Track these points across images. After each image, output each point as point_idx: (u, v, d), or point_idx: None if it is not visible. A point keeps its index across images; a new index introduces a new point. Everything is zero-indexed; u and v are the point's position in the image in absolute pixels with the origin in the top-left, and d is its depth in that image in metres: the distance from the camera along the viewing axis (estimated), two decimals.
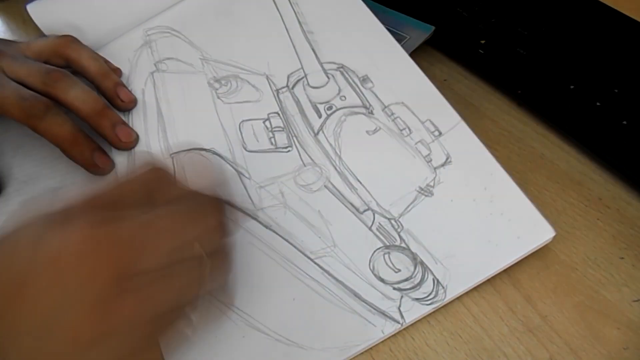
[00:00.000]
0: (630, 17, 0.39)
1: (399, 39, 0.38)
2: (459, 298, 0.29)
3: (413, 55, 0.37)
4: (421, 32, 0.40)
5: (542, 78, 0.37)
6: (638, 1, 0.39)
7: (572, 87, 0.36)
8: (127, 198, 0.24)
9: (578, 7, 0.40)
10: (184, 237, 0.23)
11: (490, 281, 0.29)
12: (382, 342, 0.28)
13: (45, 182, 0.35)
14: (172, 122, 0.36)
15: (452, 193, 0.31)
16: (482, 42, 0.40)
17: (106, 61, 0.39)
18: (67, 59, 0.36)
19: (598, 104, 0.35)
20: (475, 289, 0.29)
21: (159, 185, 0.25)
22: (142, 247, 0.21)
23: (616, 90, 0.35)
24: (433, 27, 0.40)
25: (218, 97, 0.37)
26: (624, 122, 0.33)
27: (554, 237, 0.29)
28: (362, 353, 0.28)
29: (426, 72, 0.36)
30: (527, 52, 0.38)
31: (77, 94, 0.34)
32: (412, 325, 0.28)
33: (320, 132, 0.35)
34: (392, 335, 0.28)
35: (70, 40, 0.37)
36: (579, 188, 0.33)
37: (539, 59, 0.38)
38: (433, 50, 0.41)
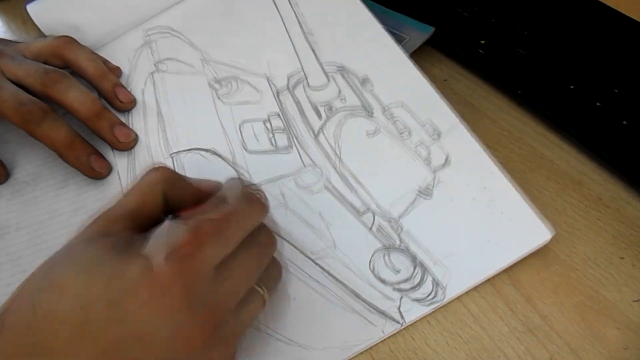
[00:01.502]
0: (630, 17, 0.39)
1: (398, 40, 0.38)
2: (459, 298, 0.29)
3: (413, 55, 0.37)
4: (421, 33, 0.40)
5: (542, 78, 0.37)
6: (638, 1, 0.39)
7: (572, 87, 0.36)
8: (148, 208, 0.24)
9: (578, 7, 0.40)
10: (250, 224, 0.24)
11: (490, 281, 0.29)
12: (382, 342, 0.28)
13: (46, 181, 0.35)
14: (172, 122, 0.36)
15: (452, 194, 0.31)
16: (482, 42, 0.40)
17: (105, 61, 0.39)
18: (65, 60, 0.36)
19: (598, 104, 0.35)
20: (475, 289, 0.29)
21: (172, 187, 0.25)
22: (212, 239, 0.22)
23: (616, 90, 0.35)
24: (433, 28, 0.40)
25: (218, 98, 0.37)
26: (624, 122, 0.34)
27: (554, 237, 0.29)
28: (362, 353, 0.28)
29: (426, 72, 0.36)
30: (527, 52, 0.38)
31: (75, 96, 0.34)
32: (412, 325, 0.28)
33: (321, 133, 0.35)
34: (392, 335, 0.28)
35: (68, 41, 0.37)
36: (579, 188, 0.33)
37: (539, 59, 0.38)
38: (433, 50, 0.41)
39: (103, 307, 0.20)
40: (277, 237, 0.27)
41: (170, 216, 0.25)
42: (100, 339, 0.20)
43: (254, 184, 0.26)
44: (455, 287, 0.29)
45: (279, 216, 0.31)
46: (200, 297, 0.21)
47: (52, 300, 0.20)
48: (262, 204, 0.25)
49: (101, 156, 0.35)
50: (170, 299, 0.20)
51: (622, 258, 0.30)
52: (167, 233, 0.21)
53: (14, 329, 0.20)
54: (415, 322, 0.28)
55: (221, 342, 0.22)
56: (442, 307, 0.28)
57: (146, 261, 0.20)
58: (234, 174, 0.33)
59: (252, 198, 0.25)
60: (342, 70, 0.37)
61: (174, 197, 0.25)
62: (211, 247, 0.22)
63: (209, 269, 0.22)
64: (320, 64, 0.37)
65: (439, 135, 0.33)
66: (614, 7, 0.39)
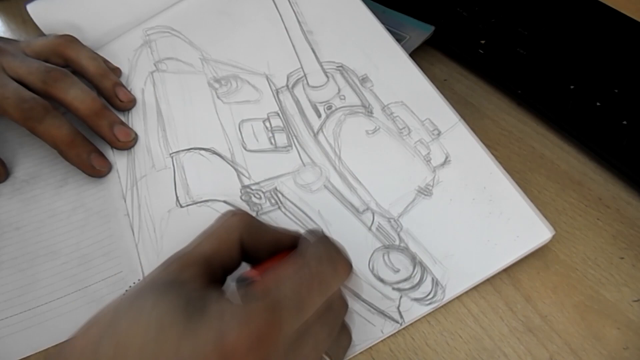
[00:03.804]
0: (630, 17, 0.39)
1: (399, 38, 0.38)
2: (459, 298, 0.29)
3: (413, 55, 0.37)
4: (421, 32, 0.40)
5: (542, 78, 0.37)
6: (638, 1, 0.39)
7: (572, 87, 0.36)
8: (224, 255, 0.23)
9: (578, 7, 0.40)
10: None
11: (490, 281, 0.29)
12: (383, 342, 0.28)
13: (46, 180, 0.35)
14: (172, 121, 0.36)
15: (451, 193, 0.31)
16: (482, 42, 0.40)
17: (106, 61, 0.39)
18: (66, 58, 0.36)
19: (598, 104, 0.35)
20: (475, 289, 0.29)
21: (249, 235, 0.24)
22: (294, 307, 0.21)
23: (616, 90, 0.35)
24: (433, 27, 0.40)
25: (218, 97, 0.37)
26: (624, 122, 0.33)
27: (554, 237, 0.29)
28: (362, 353, 0.28)
29: (426, 72, 0.36)
30: (527, 52, 0.38)
31: (76, 94, 0.34)
32: (412, 325, 0.28)
33: (320, 132, 0.35)
34: (393, 335, 0.28)
35: (70, 39, 0.37)
36: (579, 188, 0.33)
37: (539, 59, 0.38)
38: (433, 50, 0.41)
39: None
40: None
41: (247, 270, 0.24)
42: None
43: (335, 242, 0.24)
44: (454, 287, 0.28)
45: (278, 215, 0.31)
46: None
47: (116, 354, 0.19)
48: (348, 268, 0.23)
49: (102, 154, 0.35)
50: None
51: (622, 258, 0.30)
52: (242, 306, 0.20)
53: None
54: (415, 322, 0.28)
55: None
56: (442, 307, 0.28)
57: (219, 333, 0.19)
58: (233, 172, 0.33)
59: (337, 261, 0.23)
60: (342, 68, 0.37)
61: (251, 245, 0.24)
62: (289, 323, 0.20)
63: (283, 345, 0.20)
64: (320, 63, 0.37)
65: (438, 134, 0.33)
66: (614, 7, 0.39)
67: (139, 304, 0.20)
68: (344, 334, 0.25)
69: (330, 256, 0.22)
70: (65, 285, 0.30)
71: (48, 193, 0.34)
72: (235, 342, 0.19)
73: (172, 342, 0.19)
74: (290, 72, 0.37)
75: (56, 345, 0.28)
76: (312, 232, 0.24)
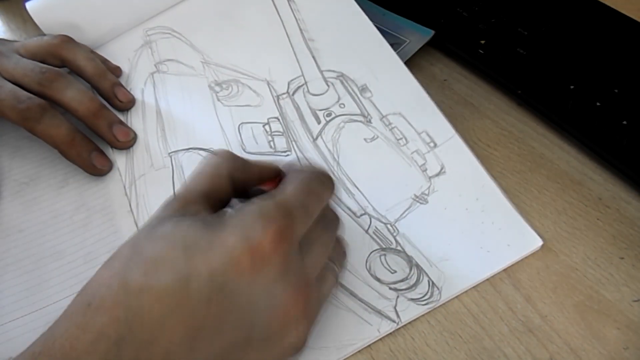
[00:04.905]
0: (630, 17, 0.39)
1: (399, 42, 0.38)
2: (459, 298, 0.29)
3: (413, 56, 0.37)
4: (421, 36, 0.40)
5: (542, 78, 0.37)
6: (638, 1, 0.39)
7: (572, 87, 0.36)
8: (218, 190, 0.25)
9: (578, 7, 0.40)
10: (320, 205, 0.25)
11: (490, 281, 0.29)
12: (382, 342, 0.28)
13: (46, 181, 0.35)
14: (171, 121, 0.36)
15: (446, 202, 0.32)
16: (482, 42, 0.40)
17: (105, 60, 0.39)
18: (63, 59, 0.36)
19: (598, 104, 0.35)
20: (475, 288, 0.29)
21: (236, 169, 0.26)
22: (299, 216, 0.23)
23: (616, 90, 0.35)
24: (433, 31, 0.40)
25: (218, 100, 0.37)
26: (624, 122, 0.33)
27: (554, 237, 0.29)
28: (362, 353, 0.28)
29: (426, 72, 0.36)
30: (527, 52, 0.38)
31: (73, 95, 0.34)
32: (412, 325, 0.28)
33: (319, 137, 0.35)
34: (392, 336, 0.28)
35: (65, 40, 0.36)
36: (579, 188, 0.33)
37: (539, 59, 0.38)
38: (433, 50, 0.41)
39: (204, 279, 0.20)
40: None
41: (253, 189, 0.26)
42: (199, 312, 0.20)
43: (320, 168, 0.27)
44: (450, 289, 0.29)
45: None
46: (292, 268, 0.22)
47: (147, 276, 0.20)
48: (333, 182, 0.26)
49: (102, 153, 0.35)
50: (269, 269, 0.21)
51: (622, 258, 0.30)
52: (258, 207, 0.22)
53: (104, 306, 0.20)
54: (415, 322, 0.28)
55: (308, 315, 0.23)
56: (442, 307, 0.29)
57: (244, 232, 0.21)
58: None
59: (323, 177, 0.26)
60: (342, 77, 0.37)
61: (239, 179, 0.26)
62: (299, 220, 0.22)
63: (297, 242, 0.22)
64: (320, 71, 0.37)
65: (434, 146, 0.34)
66: (614, 7, 0.39)
67: (157, 233, 0.21)
68: (340, 244, 0.28)
69: (319, 177, 0.25)
70: (72, 284, 0.30)
71: (49, 194, 0.34)
72: (261, 238, 0.21)
73: (201, 253, 0.20)
74: (291, 79, 0.37)
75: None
76: (294, 164, 0.27)
